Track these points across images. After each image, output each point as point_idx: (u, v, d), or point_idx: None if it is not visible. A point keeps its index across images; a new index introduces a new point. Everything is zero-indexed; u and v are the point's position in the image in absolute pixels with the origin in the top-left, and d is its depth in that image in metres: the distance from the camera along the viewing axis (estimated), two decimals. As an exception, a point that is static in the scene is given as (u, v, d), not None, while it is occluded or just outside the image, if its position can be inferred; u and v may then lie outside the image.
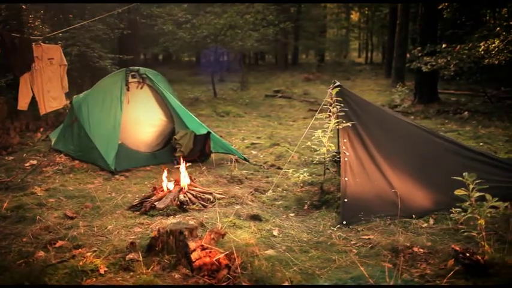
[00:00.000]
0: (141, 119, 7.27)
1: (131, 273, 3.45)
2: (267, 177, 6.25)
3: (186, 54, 26.95)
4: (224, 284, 3.40)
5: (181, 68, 27.13)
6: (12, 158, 7.23)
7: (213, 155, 7.30)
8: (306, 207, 5.22)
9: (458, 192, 3.74)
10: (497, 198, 3.62)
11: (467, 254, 3.65)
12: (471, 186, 3.74)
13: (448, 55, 10.47)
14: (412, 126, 5.86)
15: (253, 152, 7.93)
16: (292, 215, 5.02)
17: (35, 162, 6.92)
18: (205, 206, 5.05)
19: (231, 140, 8.87)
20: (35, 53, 7.21)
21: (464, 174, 3.83)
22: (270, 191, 5.70)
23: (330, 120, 5.37)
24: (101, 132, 6.74)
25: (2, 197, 5.41)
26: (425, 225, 4.60)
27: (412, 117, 11.38)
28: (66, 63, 7.77)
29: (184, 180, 5.32)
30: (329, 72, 23.31)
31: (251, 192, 5.63)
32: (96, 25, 9.78)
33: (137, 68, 7.44)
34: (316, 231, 4.53)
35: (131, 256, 3.71)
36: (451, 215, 4.23)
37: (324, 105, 5.56)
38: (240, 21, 14.09)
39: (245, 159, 7.13)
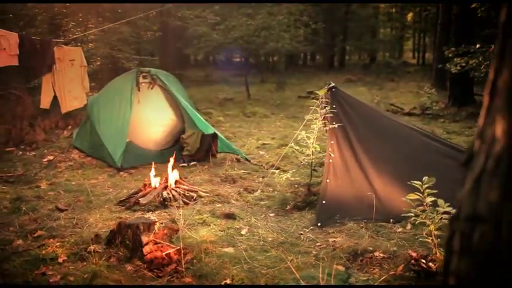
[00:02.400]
0: (151, 118, 7.54)
1: (85, 263, 3.65)
2: (263, 177, 6.32)
3: (222, 55, 27.27)
4: (171, 277, 3.53)
5: (227, 68, 27.49)
6: (33, 153, 7.72)
7: (217, 155, 7.44)
8: (288, 207, 5.24)
9: (410, 196, 3.66)
10: (448, 204, 3.50)
11: (422, 261, 3.57)
12: (426, 191, 3.65)
13: (480, 55, 10.01)
14: (408, 129, 5.72)
15: (261, 152, 8.00)
16: (272, 215, 5.06)
17: (52, 158, 7.37)
18: (186, 204, 5.20)
19: (247, 140, 8.98)
20: (57, 54, 7.66)
21: (424, 178, 3.74)
22: (259, 190, 5.77)
23: (318, 121, 5.36)
24: (109, 131, 7.06)
25: (8, 189, 5.83)
26: (400, 230, 4.50)
27: (442, 120, 11.00)
28: (86, 64, 8.19)
29: (171, 177, 5.50)
30: (374, 73, 22.80)
31: (239, 191, 5.72)
32: (122, 27, 10.21)
33: (148, 69, 7.72)
34: (287, 231, 4.55)
35: (93, 247, 3.92)
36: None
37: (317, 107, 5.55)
38: (272, 22, 14.18)
39: (246, 159, 7.22)
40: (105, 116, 7.22)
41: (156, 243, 3.73)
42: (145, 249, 3.69)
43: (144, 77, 7.49)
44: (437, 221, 3.53)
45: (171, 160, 5.76)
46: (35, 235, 4.32)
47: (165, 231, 3.85)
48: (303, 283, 3.29)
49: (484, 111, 1.16)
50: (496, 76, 1.13)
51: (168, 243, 3.76)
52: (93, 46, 10.11)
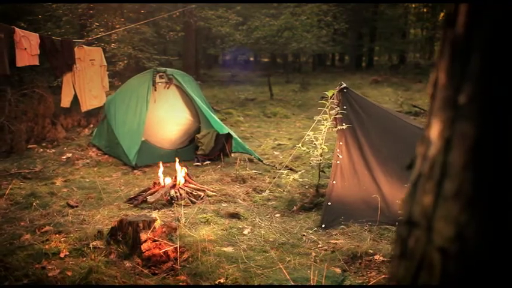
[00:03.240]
0: (166, 117, 7.63)
1: (84, 259, 3.73)
2: (274, 177, 6.31)
3: (246, 55, 27.36)
4: (166, 274, 3.57)
5: (253, 68, 27.57)
6: (53, 150, 7.92)
7: (231, 154, 7.47)
8: (294, 208, 5.21)
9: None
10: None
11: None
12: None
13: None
14: (419, 131, 5.61)
15: (276, 153, 7.99)
16: (277, 215, 5.05)
17: (70, 155, 7.55)
18: (193, 202, 5.24)
19: (264, 140, 8.99)
20: (77, 54, 7.86)
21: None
22: (267, 191, 5.76)
23: (327, 122, 5.33)
24: (125, 129, 7.19)
25: (25, 185, 6.01)
26: (404, 233, 4.41)
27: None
28: (105, 64, 8.36)
29: (180, 176, 5.55)
30: (402, 74, 22.43)
31: (247, 191, 5.73)
32: (143, 27, 10.38)
33: (164, 68, 7.81)
34: (290, 232, 4.54)
35: (95, 243, 4.00)
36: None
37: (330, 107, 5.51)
38: (295, 23, 14.12)
39: (259, 159, 7.22)
40: (121, 115, 7.35)
41: (154, 240, 3.78)
42: (144, 247, 3.75)
43: (160, 77, 7.60)
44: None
45: (177, 160, 5.81)
46: (43, 230, 4.44)
47: (164, 229, 3.89)
48: (291, 283, 3.27)
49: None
50: (436, 78, 1.11)
51: (166, 241, 3.80)
52: (116, 46, 10.29)
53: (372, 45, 29.44)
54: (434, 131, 1.09)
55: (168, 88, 7.66)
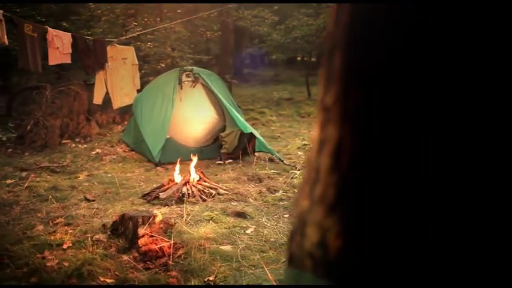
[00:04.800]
0: (192, 116, 7.73)
1: (84, 251, 3.85)
2: (292, 178, 6.26)
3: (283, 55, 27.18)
4: (158, 270, 3.63)
5: (299, 68, 27.42)
6: (85, 146, 8.22)
7: (255, 154, 7.47)
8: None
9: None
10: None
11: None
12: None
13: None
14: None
15: (299, 153, 7.92)
16: (286, 216, 5.01)
17: (99, 151, 7.81)
18: (204, 200, 5.28)
19: (292, 140, 8.94)
20: (110, 53, 8.13)
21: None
22: (281, 191, 5.73)
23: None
24: (150, 127, 7.35)
25: (51, 178, 6.28)
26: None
27: None
28: (137, 63, 8.60)
29: (193, 174, 5.62)
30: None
31: (260, 191, 5.72)
32: (177, 26, 10.55)
33: (191, 67, 7.93)
34: (294, 233, 4.48)
35: (98, 236, 4.12)
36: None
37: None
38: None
39: (280, 159, 7.18)
40: (147, 113, 7.52)
41: (151, 236, 3.85)
42: (141, 242, 3.83)
43: (187, 76, 7.71)
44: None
45: (194, 158, 5.88)
46: (55, 222, 4.62)
47: (161, 225, 3.96)
48: (274, 283, 3.24)
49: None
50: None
51: (163, 237, 3.86)
52: (152, 45, 10.54)
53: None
54: (314, 134, 1.06)
55: (194, 87, 7.76)
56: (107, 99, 8.48)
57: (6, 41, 6.21)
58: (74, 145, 8.24)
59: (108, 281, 3.41)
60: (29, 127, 7.98)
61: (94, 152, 7.80)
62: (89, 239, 4.07)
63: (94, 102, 8.26)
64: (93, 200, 5.42)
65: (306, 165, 1.11)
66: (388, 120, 0.69)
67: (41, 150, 7.79)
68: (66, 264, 3.60)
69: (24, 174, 6.38)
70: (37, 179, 6.14)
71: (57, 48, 7.05)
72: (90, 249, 3.82)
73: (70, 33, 7.41)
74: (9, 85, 11.58)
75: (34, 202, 5.32)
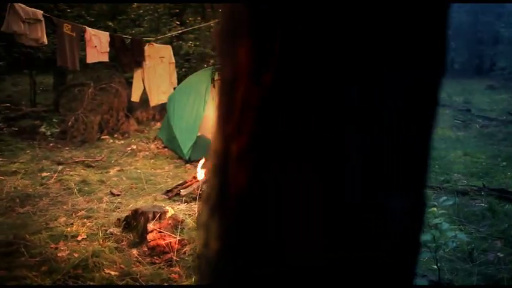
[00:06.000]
0: (224, 114, 7.78)
1: (93, 244, 3.97)
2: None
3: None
4: (163, 265, 3.68)
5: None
6: (122, 142, 8.48)
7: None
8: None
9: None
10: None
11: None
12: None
13: None
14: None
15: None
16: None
17: (134, 147, 8.02)
18: (223, 198, 5.29)
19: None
20: (147, 52, 8.33)
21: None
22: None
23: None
24: (182, 124, 7.48)
25: (84, 172, 6.52)
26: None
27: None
28: (174, 61, 8.76)
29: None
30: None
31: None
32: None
33: (224, 67, 7.97)
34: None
35: (112, 230, 4.24)
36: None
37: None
38: None
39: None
40: (179, 110, 7.65)
41: (159, 231, 3.91)
42: (149, 237, 3.90)
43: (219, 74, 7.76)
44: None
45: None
46: (78, 214, 4.79)
47: (169, 221, 4.01)
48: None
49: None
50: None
51: (170, 233, 3.91)
52: (193, 44, 10.71)
53: (495, 50, 27.14)
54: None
55: (226, 85, 7.79)
56: (146, 97, 8.70)
57: (45, 41, 6.49)
58: (111, 141, 8.51)
59: (112, 273, 3.50)
60: (70, 123, 8.33)
61: (129, 148, 8.02)
62: (103, 232, 4.19)
63: (132, 99, 8.48)
64: (118, 195, 5.58)
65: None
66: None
67: (80, 145, 8.10)
68: (76, 255, 3.73)
69: (60, 167, 6.65)
70: (70, 173, 6.39)
71: (95, 47, 7.29)
72: (101, 242, 3.93)
73: (108, 33, 7.65)
74: (60, 82, 12.10)
75: (62, 195, 5.53)
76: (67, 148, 7.91)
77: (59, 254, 3.74)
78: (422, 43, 0.71)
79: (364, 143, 0.71)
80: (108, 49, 7.57)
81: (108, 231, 4.21)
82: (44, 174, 6.26)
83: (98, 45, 7.34)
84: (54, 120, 9.20)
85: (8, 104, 11.56)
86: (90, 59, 7.35)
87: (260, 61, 0.71)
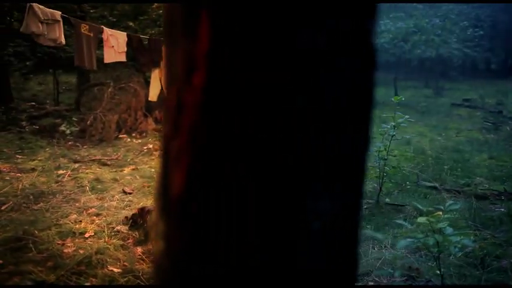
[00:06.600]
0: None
1: (99, 241, 4.01)
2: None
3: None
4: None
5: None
6: (139, 141, 8.57)
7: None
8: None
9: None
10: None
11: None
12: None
13: None
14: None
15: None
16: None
17: (150, 146, 8.09)
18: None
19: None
20: (165, 52, 8.40)
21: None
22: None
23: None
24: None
25: (99, 170, 6.60)
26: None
27: None
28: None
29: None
30: None
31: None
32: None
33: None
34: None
35: (119, 228, 4.28)
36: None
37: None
38: (426, 26, 13.42)
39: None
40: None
41: (164, 230, 3.92)
42: (154, 235, 3.91)
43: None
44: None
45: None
46: (88, 212, 4.85)
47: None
48: None
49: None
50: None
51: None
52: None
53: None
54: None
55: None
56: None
57: (63, 41, 6.62)
58: (129, 140, 8.61)
59: (116, 270, 3.53)
60: (89, 122, 8.46)
61: (146, 147, 8.10)
62: (110, 229, 4.23)
63: (149, 99, 8.57)
64: (130, 193, 5.63)
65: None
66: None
67: (98, 143, 8.22)
68: (81, 251, 3.77)
69: (76, 165, 6.76)
70: (86, 171, 6.49)
71: (113, 47, 7.40)
72: (106, 239, 3.97)
73: (125, 33, 7.74)
74: (83, 82, 12.31)
75: (76, 192, 5.61)
76: (85, 146, 8.03)
77: (64, 250, 3.79)
78: (351, 42, 0.70)
79: (298, 144, 0.70)
80: (125, 49, 7.67)
81: (115, 229, 4.25)
82: (60, 172, 6.37)
83: (115, 45, 7.44)
84: (74, 119, 9.36)
85: (33, 103, 11.87)
86: (107, 59, 7.46)
87: (191, 62, 0.70)
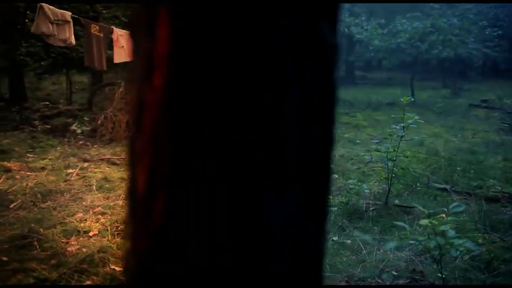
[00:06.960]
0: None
1: (103, 239, 4.03)
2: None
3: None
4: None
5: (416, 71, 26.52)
6: (149, 141, 8.60)
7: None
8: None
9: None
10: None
11: None
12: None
13: None
14: None
15: (367, 157, 7.69)
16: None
17: (160, 145, 8.12)
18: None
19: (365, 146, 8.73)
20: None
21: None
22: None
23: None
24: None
25: (107, 169, 6.65)
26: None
27: None
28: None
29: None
30: None
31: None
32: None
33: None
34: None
35: (123, 227, 4.29)
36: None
37: None
38: (444, 25, 13.29)
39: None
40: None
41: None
42: (157, 234, 3.92)
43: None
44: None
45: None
46: (95, 210, 4.89)
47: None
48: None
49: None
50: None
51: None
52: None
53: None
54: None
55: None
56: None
57: (73, 41, 6.68)
58: (139, 139, 8.65)
59: (117, 268, 3.54)
60: (99, 121, 8.53)
61: (155, 147, 8.12)
62: (114, 228, 4.25)
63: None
64: (137, 192, 5.64)
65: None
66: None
67: (108, 143, 8.28)
68: (84, 250, 3.80)
69: (85, 164, 6.81)
70: (95, 170, 6.53)
71: (122, 47, 7.44)
72: (110, 238, 3.99)
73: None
74: (95, 81, 12.42)
75: (84, 191, 5.66)
76: (95, 146, 8.09)
77: (68, 249, 3.82)
78: (304, 42, 0.69)
79: (265, 143, 0.69)
80: (135, 49, 7.68)
81: (119, 228, 4.27)
82: (69, 171, 6.43)
83: (125, 45, 7.48)
84: (85, 118, 9.44)
85: (47, 103, 12.01)
86: (117, 59, 7.51)
87: (150, 61, 0.70)
